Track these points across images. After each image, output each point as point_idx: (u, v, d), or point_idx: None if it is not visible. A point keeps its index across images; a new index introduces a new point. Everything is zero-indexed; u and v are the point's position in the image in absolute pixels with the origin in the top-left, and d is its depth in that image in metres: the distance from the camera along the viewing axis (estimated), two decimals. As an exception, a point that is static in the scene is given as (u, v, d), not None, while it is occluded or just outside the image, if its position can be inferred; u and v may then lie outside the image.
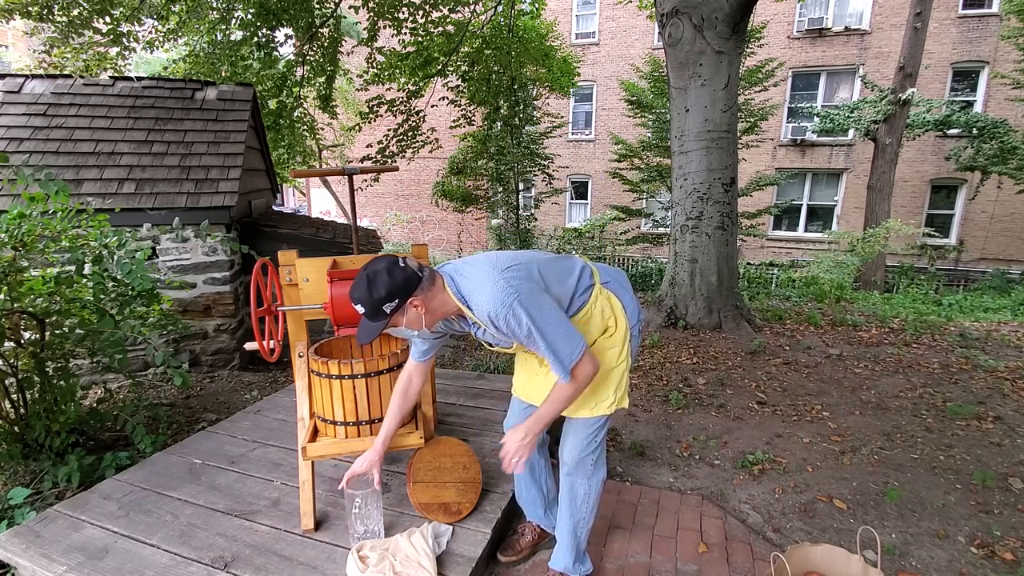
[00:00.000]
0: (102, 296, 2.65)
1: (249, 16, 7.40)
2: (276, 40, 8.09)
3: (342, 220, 13.32)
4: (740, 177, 6.58)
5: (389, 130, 9.52)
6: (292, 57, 8.52)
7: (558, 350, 1.45)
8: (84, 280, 2.60)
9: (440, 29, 8.65)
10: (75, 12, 5.63)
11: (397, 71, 8.90)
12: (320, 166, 15.36)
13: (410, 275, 1.44)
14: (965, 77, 13.86)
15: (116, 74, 6.13)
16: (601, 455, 1.81)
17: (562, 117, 13.74)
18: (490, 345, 1.65)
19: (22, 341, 2.61)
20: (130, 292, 2.74)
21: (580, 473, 1.79)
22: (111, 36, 5.97)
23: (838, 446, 3.03)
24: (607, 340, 1.68)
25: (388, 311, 1.42)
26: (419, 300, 1.45)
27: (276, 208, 7.14)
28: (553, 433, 2.03)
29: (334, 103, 9.81)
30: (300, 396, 2.13)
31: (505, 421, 2.00)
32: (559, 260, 1.67)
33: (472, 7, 8.84)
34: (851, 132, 13.19)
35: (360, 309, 1.44)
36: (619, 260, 14.47)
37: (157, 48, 7.03)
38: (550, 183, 13.11)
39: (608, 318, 1.66)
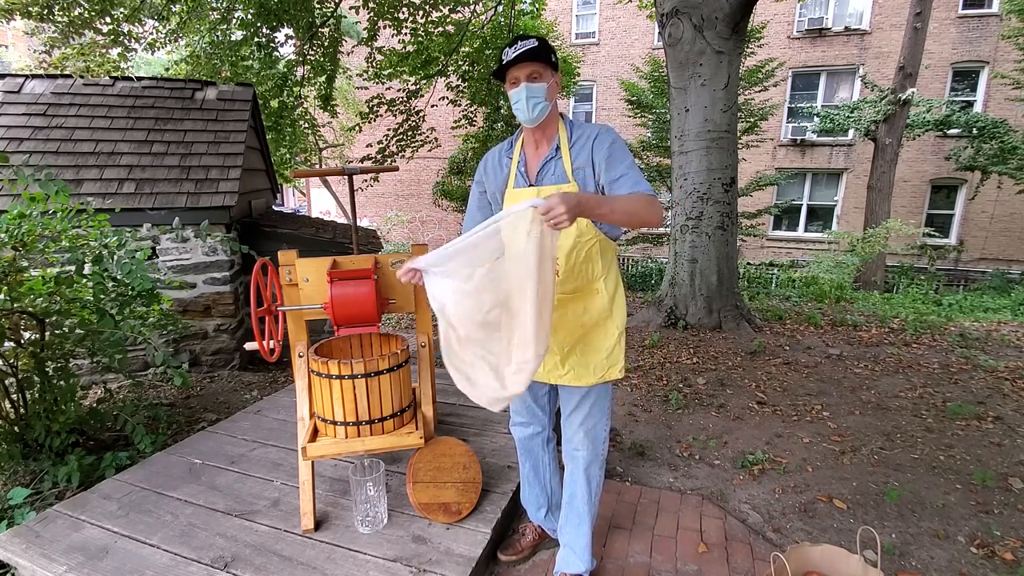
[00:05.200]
0: (102, 296, 2.65)
1: (249, 16, 7.39)
2: (276, 40, 8.08)
3: (342, 220, 13.32)
4: (740, 177, 6.58)
5: (389, 130, 9.50)
6: (292, 57, 8.52)
7: (640, 178, 1.59)
8: (84, 280, 2.59)
9: (440, 29, 8.64)
10: (76, 12, 5.63)
11: (399, 68, 8.89)
12: (320, 165, 15.36)
13: None
14: (965, 77, 13.86)
15: (117, 75, 6.13)
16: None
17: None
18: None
19: (22, 341, 2.61)
20: (130, 292, 2.74)
21: (596, 462, 1.83)
22: (112, 36, 5.97)
23: (838, 446, 3.03)
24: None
25: (553, 60, 1.64)
26: (557, 80, 1.68)
27: (276, 208, 7.14)
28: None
29: (334, 103, 9.81)
30: (300, 396, 2.13)
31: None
32: None
33: (472, 7, 8.83)
34: (851, 132, 13.18)
35: (532, 42, 1.58)
36: (619, 260, 14.48)
37: (158, 49, 7.03)
38: (550, 183, 13.08)
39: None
